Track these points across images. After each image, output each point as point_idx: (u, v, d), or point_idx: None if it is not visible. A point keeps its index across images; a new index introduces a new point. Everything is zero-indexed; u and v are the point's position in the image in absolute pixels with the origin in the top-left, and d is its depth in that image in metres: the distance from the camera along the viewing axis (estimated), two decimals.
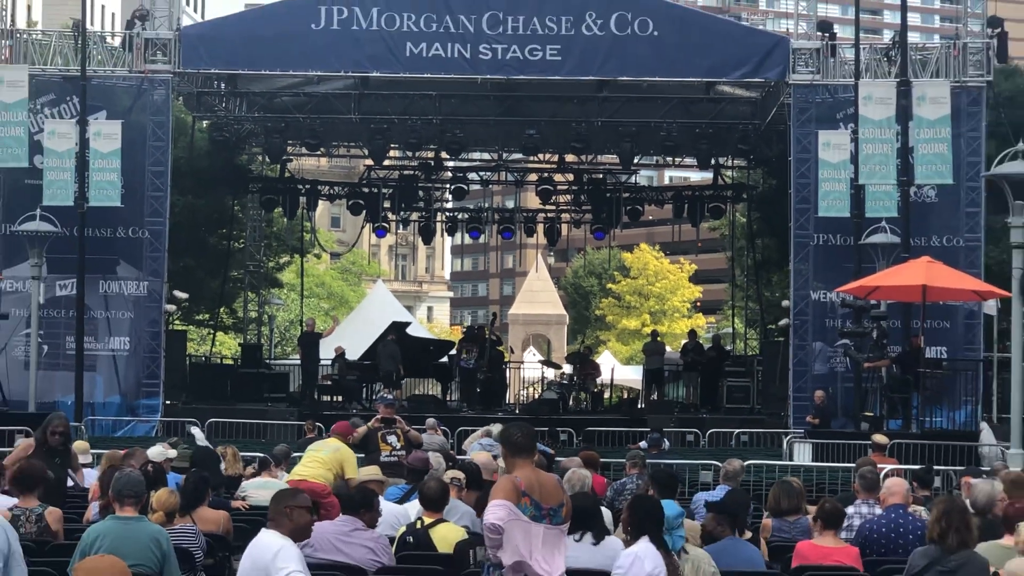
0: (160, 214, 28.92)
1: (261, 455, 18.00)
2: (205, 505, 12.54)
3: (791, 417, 27.76)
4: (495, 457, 15.98)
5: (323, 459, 16.13)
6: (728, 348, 42.32)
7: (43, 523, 12.10)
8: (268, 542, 8.76)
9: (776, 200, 33.91)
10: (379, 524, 11.71)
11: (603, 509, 11.27)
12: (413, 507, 12.55)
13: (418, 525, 11.79)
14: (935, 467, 18.72)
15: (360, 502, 11.49)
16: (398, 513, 12.75)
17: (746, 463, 18.64)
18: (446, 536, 11.50)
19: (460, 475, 13.85)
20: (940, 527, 9.60)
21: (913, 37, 32.90)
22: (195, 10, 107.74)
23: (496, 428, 20.13)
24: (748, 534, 11.95)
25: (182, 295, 34.52)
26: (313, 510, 9.62)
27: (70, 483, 15.46)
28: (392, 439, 19.14)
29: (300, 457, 17.12)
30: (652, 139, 36.12)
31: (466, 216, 44.82)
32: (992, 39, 28.26)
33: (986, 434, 24.46)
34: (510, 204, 44.68)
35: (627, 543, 9.42)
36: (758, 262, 40.84)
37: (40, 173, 27.96)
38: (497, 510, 8.12)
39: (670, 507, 10.70)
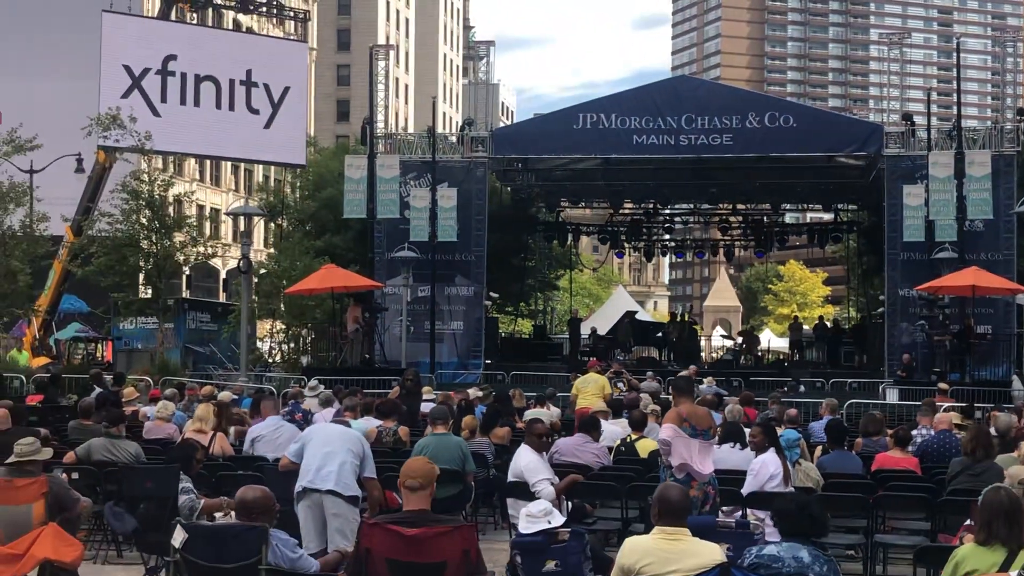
0: (481, 245, 35.03)
1: (536, 394, 21.80)
2: (497, 426, 16.22)
3: (886, 371, 33.05)
4: (717, 395, 21.69)
5: (592, 390, 20.68)
6: (844, 327, 47.34)
7: (397, 437, 15.39)
8: (522, 455, 12.14)
9: (876, 231, 38.05)
10: (602, 439, 14.56)
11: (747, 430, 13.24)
12: (624, 428, 15.78)
13: (628, 439, 15.01)
14: (977, 405, 23.11)
15: (590, 424, 14.43)
16: (616, 432, 15.69)
17: (850, 401, 25.24)
18: (645, 447, 14.40)
19: (657, 408, 17.65)
20: (971, 444, 12.22)
21: (970, 113, 37.78)
22: (503, 115, 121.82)
23: (709, 381, 26.71)
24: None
25: (495, 295, 41.30)
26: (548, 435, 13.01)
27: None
28: (620, 384, 25.84)
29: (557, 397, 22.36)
30: (793, 192, 43.12)
31: (673, 244, 51.52)
32: (1021, 122, 33.82)
33: (1016, 383, 30.21)
34: (701, 235, 51.92)
35: (758, 453, 12.02)
36: (864, 271, 46.51)
37: (407, 221, 34.08)
38: (666, 431, 10.99)
39: (790, 434, 14.97)
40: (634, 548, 7.70)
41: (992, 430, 14.43)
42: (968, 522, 9.78)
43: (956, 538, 9.64)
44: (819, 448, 15.19)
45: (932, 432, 15.37)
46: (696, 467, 10.89)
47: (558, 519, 10.02)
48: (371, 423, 15.43)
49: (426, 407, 18.43)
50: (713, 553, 7.54)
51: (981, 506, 7.49)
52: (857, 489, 12.43)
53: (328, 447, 10.56)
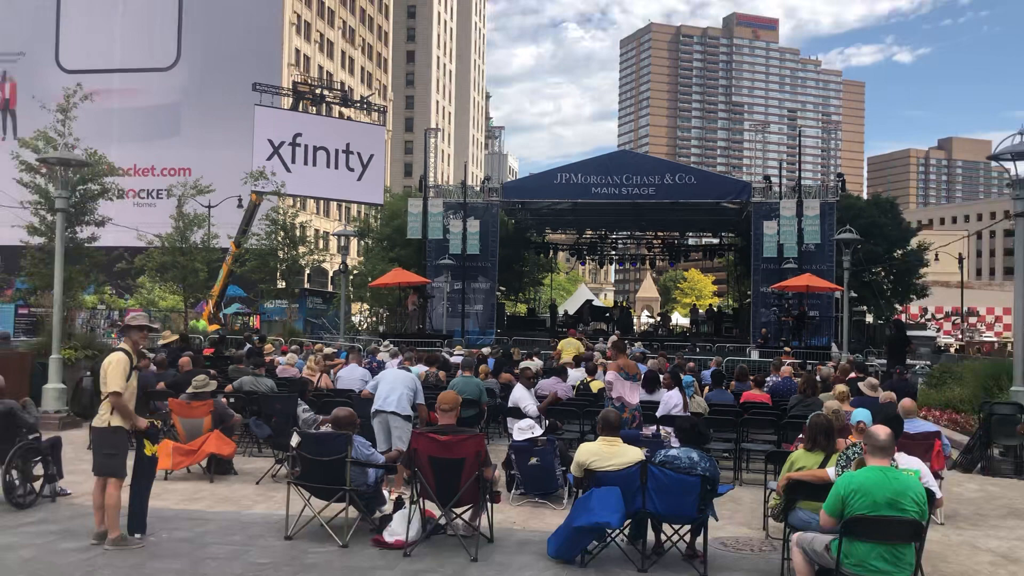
0: (494, 256, 34.66)
1: (527, 351, 22.38)
2: (502, 372, 16.25)
3: (751, 339, 32.27)
4: (642, 354, 20.30)
5: (570, 350, 20.97)
6: (726, 311, 46.05)
7: (438, 377, 15.34)
8: (517, 389, 12.50)
9: (745, 249, 37.52)
10: (568, 380, 14.56)
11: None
12: (583, 373, 15.58)
13: (585, 381, 14.94)
14: (809, 362, 23.37)
15: (560, 371, 14.54)
16: (578, 376, 15.52)
17: (728, 358, 24.53)
18: (596, 386, 14.32)
19: (604, 361, 15.23)
20: (803, 386, 12.53)
21: (806, 175, 37.87)
22: (510, 174, 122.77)
23: (637, 344, 26.04)
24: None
25: (502, 288, 40.59)
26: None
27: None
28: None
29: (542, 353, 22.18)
30: (693, 224, 42.98)
31: (617, 256, 50.44)
32: (839, 182, 33.66)
33: (834, 348, 29.34)
34: (635, 251, 49.73)
35: (668, 390, 12.00)
36: (738, 275, 46.71)
37: (448, 241, 33.83)
38: (610, 375, 11.11)
39: (687, 378, 14.99)
40: (586, 450, 7.75)
41: (817, 377, 14.38)
42: (800, 436, 9.83)
43: (792, 446, 9.49)
44: (706, 388, 15.12)
45: (779, 378, 15.54)
46: (628, 399, 10.91)
47: (538, 431, 10.08)
48: (422, 368, 15.43)
49: (458, 359, 18.18)
50: (636, 454, 7.64)
51: (808, 425, 7.45)
52: (730, 414, 12.43)
53: (392, 384, 10.65)
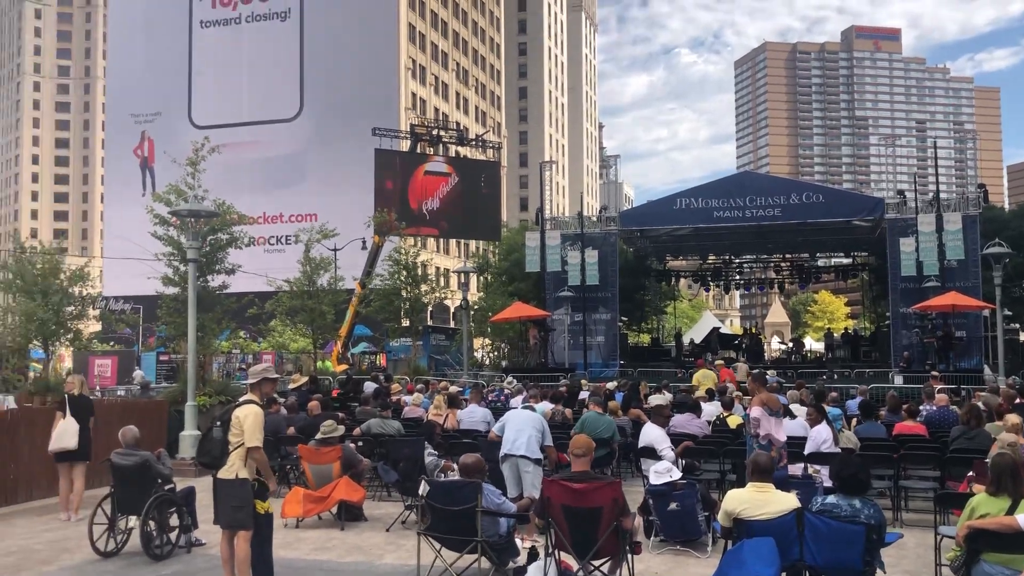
0: (614, 286, 33.84)
1: (655, 384, 22.08)
2: (631, 408, 15.43)
3: (892, 364, 30.37)
4: (777, 383, 19.28)
5: (708, 381, 20.86)
6: (862, 334, 44.43)
7: (564, 415, 14.73)
8: (650, 429, 11.34)
9: (880, 269, 35.91)
10: (703, 415, 14.04)
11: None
12: (718, 408, 15.15)
13: (721, 416, 14.43)
14: (963, 388, 21.98)
15: (694, 407, 14.06)
16: (713, 411, 15.06)
17: (871, 385, 22.39)
18: (734, 421, 13.85)
19: (739, 394, 16.29)
20: (966, 416, 11.27)
21: (942, 187, 35.09)
22: (626, 202, 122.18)
23: (771, 373, 23.42)
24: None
25: (624, 319, 40.07)
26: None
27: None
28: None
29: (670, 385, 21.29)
30: (823, 245, 41.14)
31: (743, 282, 49.57)
32: (980, 193, 32.05)
33: (987, 371, 27.97)
34: (761, 275, 48.69)
35: (813, 425, 11.20)
36: (874, 296, 44.43)
37: (566, 272, 33.35)
38: (755, 411, 10.23)
39: (833, 411, 13.62)
40: (734, 497, 7.12)
41: (980, 405, 13.01)
42: (971, 474, 9.01)
43: (963, 485, 8.78)
44: (854, 420, 14.21)
45: (934, 407, 14.28)
46: (775, 437, 10.16)
47: (677, 474, 9.49)
48: (547, 406, 14.97)
49: (583, 394, 17.84)
50: (791, 501, 6.92)
51: (991, 466, 6.63)
52: (885, 449, 11.54)
53: (519, 426, 10.24)
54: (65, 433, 11.38)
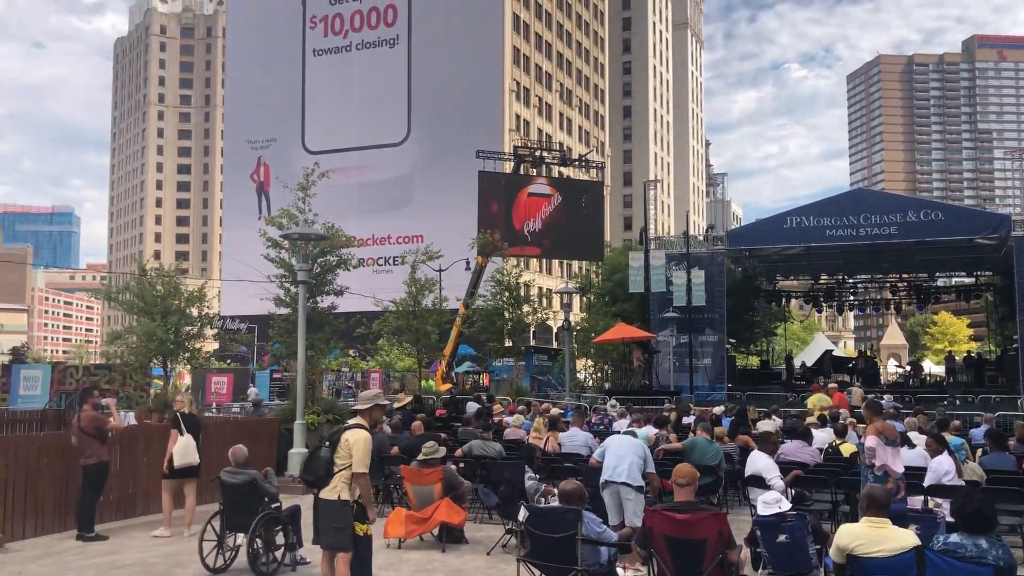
0: (721, 307, 33.21)
1: (764, 409, 21.78)
2: (739, 434, 15.05)
3: (1021, 389, 28.40)
4: (894, 408, 17.66)
5: (822, 404, 19.63)
6: (987, 358, 41.83)
7: (668, 440, 13.61)
8: (758, 457, 10.61)
9: (1007, 289, 34.94)
10: (814, 443, 13.13)
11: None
12: (830, 435, 14.24)
13: (834, 444, 13.73)
14: None
15: (805, 434, 12.82)
16: (824, 438, 14.18)
17: (997, 413, 21.00)
18: (847, 449, 13.16)
19: (853, 420, 15.98)
20: None
21: None
22: (734, 221, 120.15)
23: (888, 398, 24.02)
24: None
25: (732, 340, 39.28)
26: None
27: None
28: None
29: (780, 411, 20.07)
30: (943, 264, 39.21)
31: (857, 302, 47.57)
32: None
33: None
34: (876, 295, 47.09)
35: (933, 456, 10.77)
36: (1000, 318, 42.37)
37: (671, 293, 32.82)
38: (870, 440, 9.81)
39: (956, 440, 12.96)
40: (848, 532, 6.73)
41: None
42: None
43: None
44: (979, 450, 13.39)
45: None
46: (892, 467, 9.71)
47: (786, 504, 9.06)
48: (651, 430, 14.49)
49: (687, 420, 17.42)
50: (910, 538, 6.48)
51: None
52: (1014, 483, 10.78)
53: (621, 451, 10.05)
54: (188, 450, 11.78)
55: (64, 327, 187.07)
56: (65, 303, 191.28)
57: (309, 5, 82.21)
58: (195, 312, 24.60)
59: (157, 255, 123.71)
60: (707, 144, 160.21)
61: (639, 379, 32.03)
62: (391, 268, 62.81)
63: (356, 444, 7.41)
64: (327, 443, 7.57)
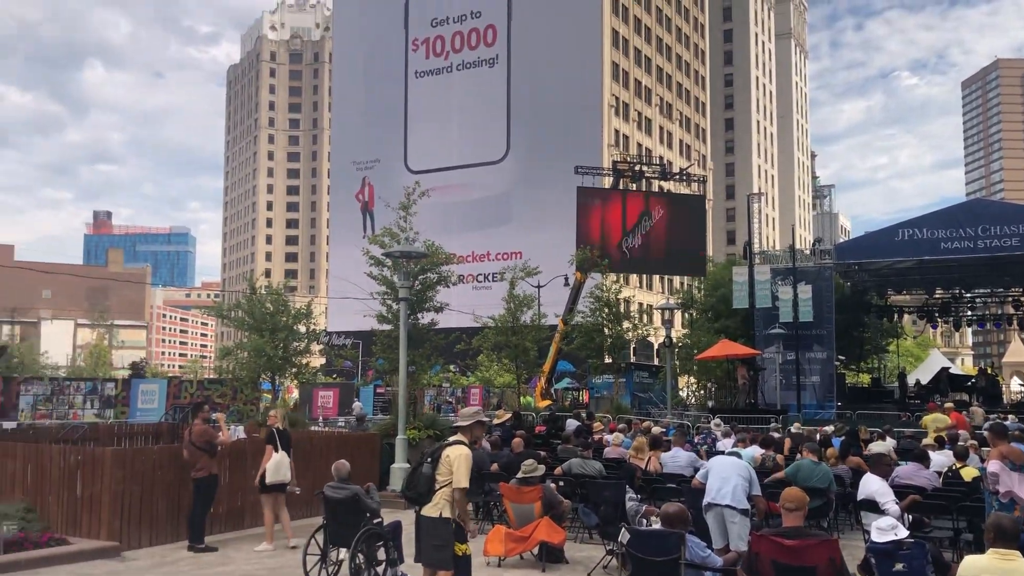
0: (830, 323, 32.78)
1: (876, 430, 19.67)
2: (850, 455, 14.36)
3: None
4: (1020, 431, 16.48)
5: (939, 425, 19.09)
6: None
7: (775, 461, 13.59)
8: (871, 480, 10.27)
9: None
10: (931, 466, 12.45)
11: None
12: (949, 458, 13.52)
13: (953, 467, 13.06)
14: None
15: (922, 456, 12.36)
16: (943, 461, 13.49)
17: None
18: (969, 473, 12.42)
19: (974, 442, 15.24)
20: None
21: None
22: (842, 234, 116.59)
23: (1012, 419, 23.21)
24: None
25: (841, 357, 39.19)
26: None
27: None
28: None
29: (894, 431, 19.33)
30: None
31: (976, 317, 45.51)
32: None
33: None
34: (997, 310, 45.43)
35: None
36: None
37: (777, 309, 32.53)
38: (993, 465, 9.42)
39: None
40: (973, 566, 6.28)
41: None
42: None
43: None
44: None
45: None
46: (1019, 494, 9.13)
47: (903, 531, 8.58)
48: (756, 451, 14.21)
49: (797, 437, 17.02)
50: None
51: None
52: None
53: (725, 472, 9.74)
54: (281, 466, 12.01)
55: (180, 342, 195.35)
56: (181, 319, 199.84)
57: (411, 28, 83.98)
58: (302, 328, 25.20)
59: (267, 273, 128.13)
60: (813, 156, 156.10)
61: (744, 397, 31.18)
62: (490, 284, 63.52)
63: (457, 460, 7.44)
64: (429, 459, 7.60)
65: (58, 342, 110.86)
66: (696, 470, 11.60)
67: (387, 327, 20.00)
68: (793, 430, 19.71)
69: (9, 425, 24.80)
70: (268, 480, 11.97)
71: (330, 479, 9.98)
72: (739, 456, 10.54)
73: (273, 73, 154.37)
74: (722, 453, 11.95)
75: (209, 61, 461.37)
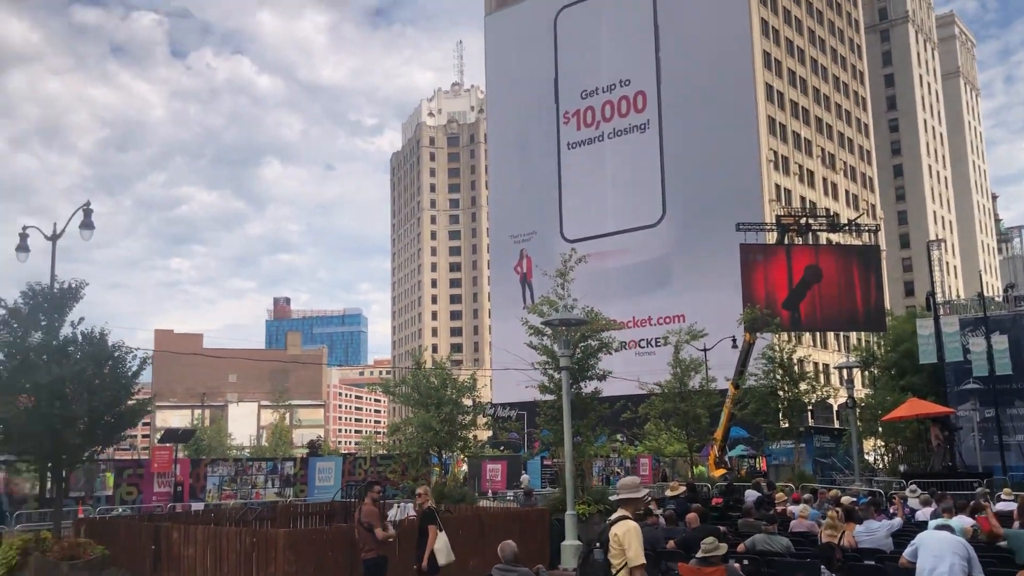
0: None
1: None
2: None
3: None
4: None
5: None
6: None
7: (981, 533, 12.44)
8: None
9: None
10: None
11: None
12: None
13: None
14: None
15: None
16: None
17: None
18: None
19: None
20: None
21: None
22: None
23: None
24: None
25: None
26: None
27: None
28: None
29: None
30: None
31: None
32: None
33: None
34: None
35: None
36: None
37: (969, 362, 30.28)
38: None
39: None
40: None
41: None
42: None
43: None
44: None
45: None
46: None
47: None
48: (965, 521, 12.68)
49: (1005, 507, 15.57)
50: None
51: None
52: None
53: (938, 551, 8.70)
54: (448, 547, 11.58)
55: (355, 419, 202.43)
56: (356, 397, 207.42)
57: (562, 102, 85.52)
58: (467, 402, 25.21)
59: (434, 349, 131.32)
60: (994, 197, 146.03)
61: (940, 460, 28.93)
62: (653, 350, 62.47)
63: (627, 536, 6.94)
64: (597, 544, 7.03)
65: (244, 423, 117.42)
66: (894, 542, 10.42)
67: (550, 397, 19.63)
68: (1004, 496, 17.76)
69: (197, 507, 26.04)
70: (441, 562, 11.52)
71: (499, 560, 9.50)
72: (951, 529, 9.31)
73: (433, 157, 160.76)
74: (923, 524, 10.72)
75: (375, 151, 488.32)
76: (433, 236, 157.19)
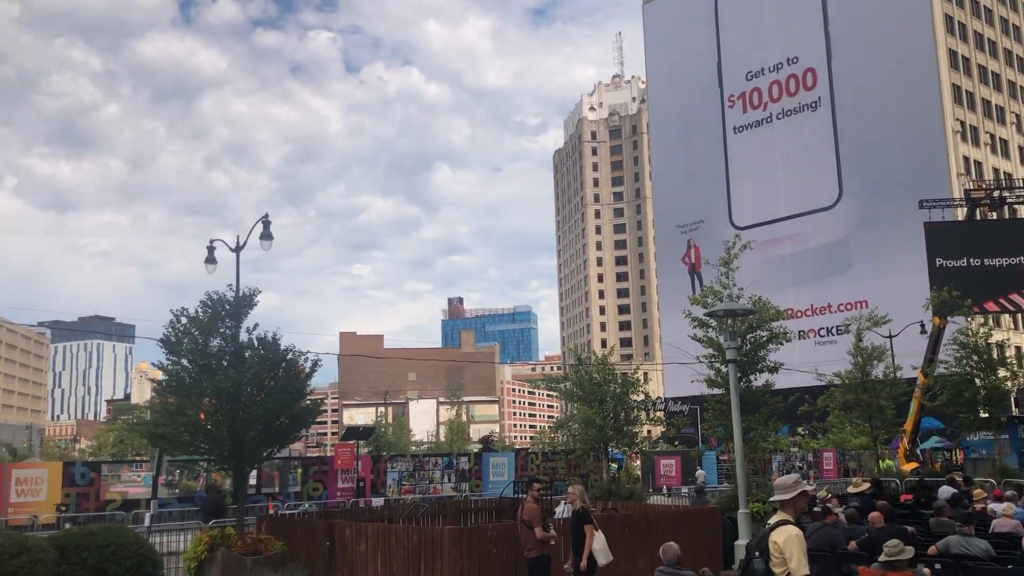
0: None
1: None
2: None
3: None
4: None
5: None
6: None
7: None
8: None
9: None
10: None
11: None
12: None
13: None
14: None
15: None
16: None
17: None
18: None
19: None
20: None
21: None
22: None
23: None
24: None
25: None
26: None
27: None
28: None
29: None
30: None
31: None
32: None
33: None
34: None
35: None
36: None
37: None
38: None
39: None
40: None
41: None
42: None
43: None
44: None
45: None
46: None
47: None
48: None
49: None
50: None
51: None
52: None
53: None
54: (607, 547, 11.18)
55: (529, 415, 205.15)
56: (528, 392, 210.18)
57: (726, 85, 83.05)
58: (634, 397, 24.78)
59: (603, 343, 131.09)
60: None
61: None
62: (834, 338, 59.77)
63: (788, 544, 6.36)
64: (757, 553, 6.51)
65: (423, 420, 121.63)
66: None
67: (717, 391, 18.91)
68: None
69: (378, 502, 27.03)
70: (601, 562, 11.13)
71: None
72: None
73: (595, 151, 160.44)
74: None
75: (538, 150, 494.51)
76: (598, 231, 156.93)
